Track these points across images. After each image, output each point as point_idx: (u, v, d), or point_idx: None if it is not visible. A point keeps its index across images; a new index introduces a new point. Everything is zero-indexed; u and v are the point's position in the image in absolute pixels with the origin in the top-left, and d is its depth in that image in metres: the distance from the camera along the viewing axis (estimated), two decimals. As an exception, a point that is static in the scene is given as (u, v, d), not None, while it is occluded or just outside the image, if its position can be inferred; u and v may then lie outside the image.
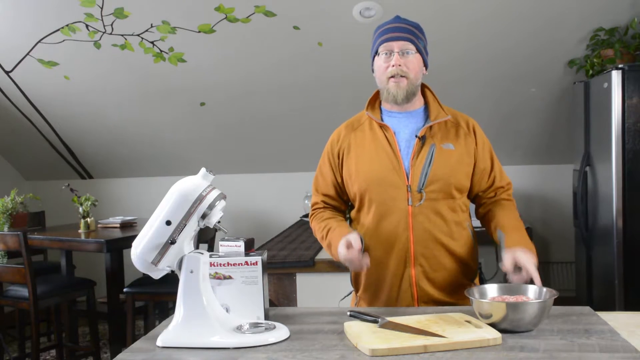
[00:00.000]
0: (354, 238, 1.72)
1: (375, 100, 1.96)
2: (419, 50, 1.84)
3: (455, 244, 1.85)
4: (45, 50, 4.06)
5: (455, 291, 1.85)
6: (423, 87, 1.95)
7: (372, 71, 1.92)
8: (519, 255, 1.67)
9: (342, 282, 2.64)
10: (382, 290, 1.87)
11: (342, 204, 1.99)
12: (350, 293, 2.05)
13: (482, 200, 1.95)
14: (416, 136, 1.84)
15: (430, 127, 1.85)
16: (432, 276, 1.83)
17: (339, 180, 1.94)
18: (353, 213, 1.95)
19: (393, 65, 1.81)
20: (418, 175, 1.80)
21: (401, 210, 1.81)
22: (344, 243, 1.73)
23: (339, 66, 4.04)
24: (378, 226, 1.83)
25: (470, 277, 1.91)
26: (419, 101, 1.91)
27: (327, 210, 1.98)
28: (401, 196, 1.81)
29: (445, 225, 1.83)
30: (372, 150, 1.87)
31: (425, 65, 1.89)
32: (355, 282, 1.96)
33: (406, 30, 1.84)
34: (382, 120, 1.90)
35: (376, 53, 1.87)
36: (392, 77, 1.82)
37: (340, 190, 1.96)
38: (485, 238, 1.98)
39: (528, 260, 1.66)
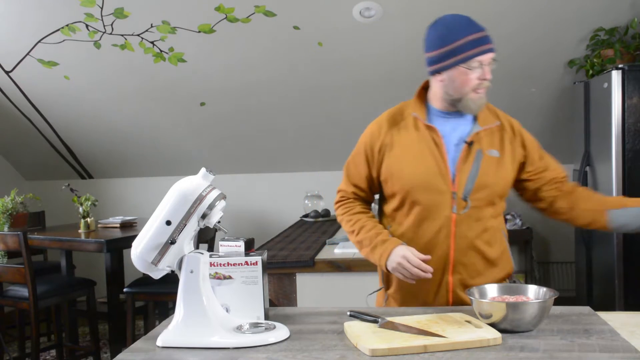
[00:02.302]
0: (410, 254, 1.71)
1: (422, 94, 1.86)
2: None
3: (492, 250, 1.81)
4: (45, 50, 4.06)
5: None
6: None
7: (430, 69, 1.79)
8: None
9: (342, 282, 2.64)
10: (417, 295, 1.83)
11: (371, 195, 1.95)
12: (380, 289, 1.99)
13: (547, 194, 1.87)
14: (465, 142, 1.77)
15: (478, 132, 1.79)
16: (469, 283, 1.78)
17: (374, 175, 1.87)
18: (388, 209, 1.89)
19: (486, 79, 1.75)
20: (464, 182, 1.75)
21: (444, 217, 1.76)
22: (400, 255, 1.72)
23: (339, 66, 4.04)
24: (418, 230, 1.79)
25: (505, 278, 1.88)
26: None
27: (356, 202, 1.93)
28: (445, 203, 1.75)
29: (485, 232, 1.79)
30: (417, 151, 1.79)
31: None
32: (387, 280, 1.91)
33: (491, 40, 1.76)
34: (429, 120, 1.82)
35: (461, 61, 1.73)
36: (479, 87, 1.75)
37: (373, 185, 1.91)
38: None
39: None
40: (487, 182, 1.76)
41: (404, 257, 1.72)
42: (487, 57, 1.74)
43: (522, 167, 1.86)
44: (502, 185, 1.80)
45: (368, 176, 1.89)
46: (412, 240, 1.79)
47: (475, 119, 1.82)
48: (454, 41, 1.73)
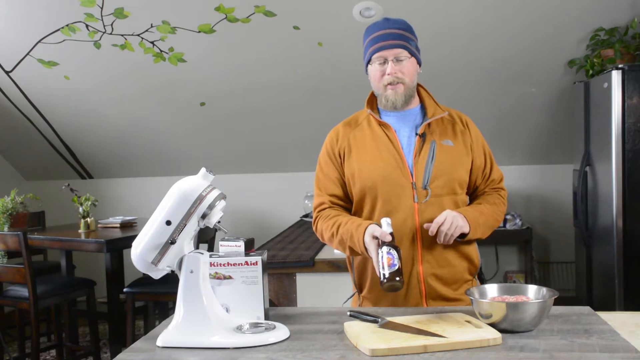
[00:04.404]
0: (379, 229, 1.71)
1: (372, 100, 1.97)
2: (412, 53, 1.84)
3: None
4: (45, 50, 4.06)
5: (460, 287, 1.86)
6: (418, 86, 1.96)
7: (367, 73, 1.93)
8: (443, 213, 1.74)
9: (342, 282, 2.64)
10: None
11: (348, 203, 1.94)
12: (353, 295, 2.03)
13: (475, 194, 1.97)
14: (416, 134, 1.86)
15: (429, 124, 1.87)
16: (439, 272, 1.83)
17: (344, 178, 1.92)
18: (355, 209, 1.92)
19: (388, 74, 1.82)
20: (422, 172, 1.81)
21: (407, 207, 1.80)
22: (370, 233, 1.71)
23: (338, 66, 4.04)
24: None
25: (474, 272, 1.92)
26: (414, 100, 1.93)
27: (333, 209, 1.93)
28: (407, 194, 1.81)
29: None
30: (374, 149, 1.86)
31: (419, 63, 1.90)
32: (359, 283, 1.94)
33: (397, 36, 1.82)
34: (380, 119, 1.91)
35: (369, 61, 1.87)
36: (389, 84, 1.83)
37: (346, 188, 1.92)
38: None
39: (445, 215, 1.73)
40: (444, 169, 1.82)
41: (371, 234, 1.73)
42: (388, 53, 1.81)
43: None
44: (460, 173, 1.86)
45: (340, 180, 1.92)
46: None
47: (424, 113, 1.90)
48: (363, 44, 1.90)
